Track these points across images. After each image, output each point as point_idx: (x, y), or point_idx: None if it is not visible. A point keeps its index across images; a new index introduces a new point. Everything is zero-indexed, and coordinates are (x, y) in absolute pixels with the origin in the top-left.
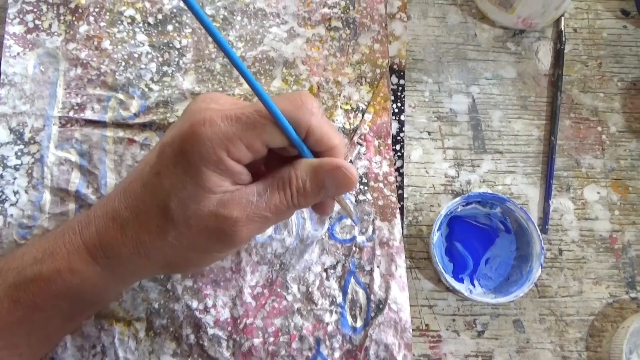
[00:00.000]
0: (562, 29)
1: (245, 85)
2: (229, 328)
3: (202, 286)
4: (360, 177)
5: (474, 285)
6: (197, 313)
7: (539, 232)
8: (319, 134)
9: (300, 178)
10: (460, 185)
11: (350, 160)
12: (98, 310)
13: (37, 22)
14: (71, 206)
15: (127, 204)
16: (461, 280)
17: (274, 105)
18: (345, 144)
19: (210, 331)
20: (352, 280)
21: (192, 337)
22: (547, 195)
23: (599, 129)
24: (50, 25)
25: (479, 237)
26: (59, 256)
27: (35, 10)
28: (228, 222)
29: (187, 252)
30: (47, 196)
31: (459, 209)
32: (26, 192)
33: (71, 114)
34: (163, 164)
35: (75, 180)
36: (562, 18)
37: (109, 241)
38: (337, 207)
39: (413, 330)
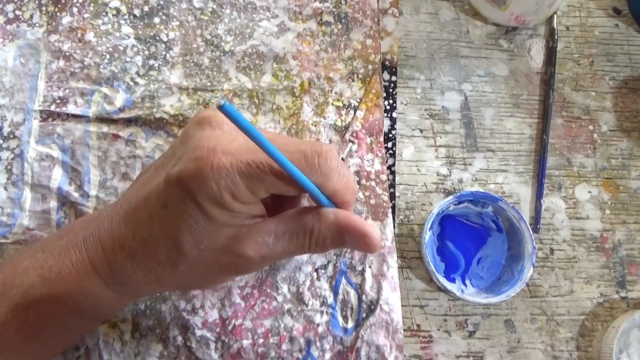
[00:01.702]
0: (555, 26)
1: (234, 81)
2: (218, 329)
3: None
4: None
5: (465, 285)
6: (184, 314)
7: (531, 232)
8: (331, 192)
9: (322, 234)
10: (452, 184)
11: (342, 157)
12: (98, 325)
13: (17, 12)
14: (53, 204)
15: (134, 234)
16: (453, 280)
17: (295, 169)
18: (337, 142)
19: (198, 332)
20: (343, 280)
21: (179, 338)
22: (538, 194)
23: (591, 127)
24: (31, 16)
25: (471, 237)
26: (68, 277)
27: (16, 0)
28: (242, 260)
29: (199, 279)
30: (27, 193)
31: (451, 208)
32: (5, 189)
33: (53, 107)
34: (171, 199)
35: (57, 177)
36: (555, 16)
37: (120, 269)
38: None
39: (404, 330)
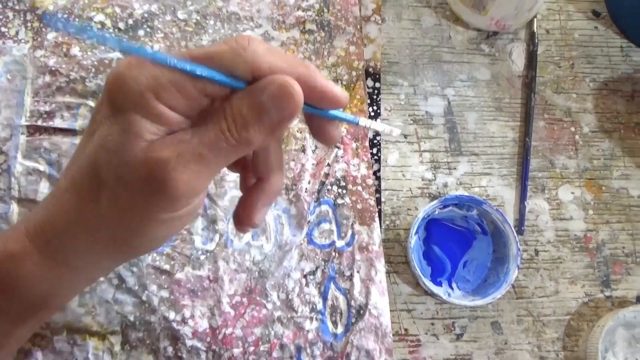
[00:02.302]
0: (535, 30)
1: None
2: (208, 339)
3: (179, 297)
4: (339, 180)
5: (452, 289)
6: (174, 324)
7: (515, 234)
8: (267, 67)
9: (235, 106)
10: (437, 188)
11: (328, 163)
12: (51, 315)
13: (3, 29)
14: None
15: (65, 174)
16: (439, 284)
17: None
18: (323, 149)
19: (189, 343)
20: (332, 286)
21: (170, 349)
22: (522, 197)
23: (572, 129)
24: (17, 33)
25: (457, 240)
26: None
27: (1, 17)
28: (158, 165)
29: (127, 216)
30: (14, 208)
31: (436, 212)
32: None
33: (40, 122)
34: (95, 120)
35: (44, 190)
36: (535, 19)
37: (47, 220)
38: (320, 210)
39: (392, 335)
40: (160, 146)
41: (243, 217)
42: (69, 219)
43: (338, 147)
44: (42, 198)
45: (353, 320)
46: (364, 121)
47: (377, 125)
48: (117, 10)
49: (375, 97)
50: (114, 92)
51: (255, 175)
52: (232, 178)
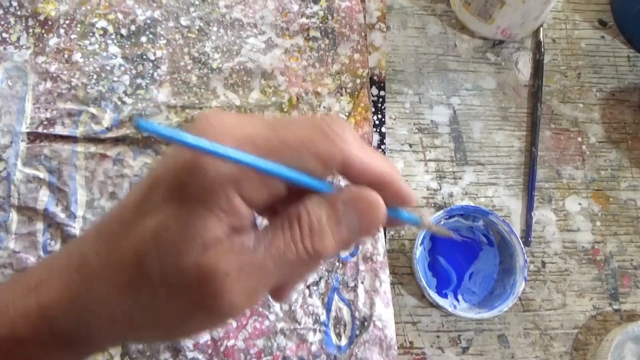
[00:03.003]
0: (541, 39)
1: (222, 98)
2: (209, 351)
3: None
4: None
5: (457, 301)
6: None
7: (522, 245)
8: (359, 165)
9: (312, 213)
10: (443, 198)
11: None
12: None
13: (4, 35)
14: (39, 225)
15: (98, 249)
16: (445, 296)
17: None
18: None
19: (190, 355)
20: (336, 297)
21: None
22: (529, 207)
23: (579, 139)
24: (18, 38)
25: (463, 251)
26: (5, 318)
27: (2, 22)
28: (213, 276)
29: (161, 319)
30: (13, 216)
31: (442, 222)
32: None
33: (40, 129)
34: (151, 201)
35: (44, 198)
36: (541, 28)
37: (69, 301)
38: None
39: (397, 347)
40: (218, 253)
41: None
42: (100, 310)
43: None
44: (42, 206)
45: (357, 332)
46: (427, 223)
47: (439, 229)
48: (120, 16)
49: (380, 105)
50: (188, 181)
51: None
52: None
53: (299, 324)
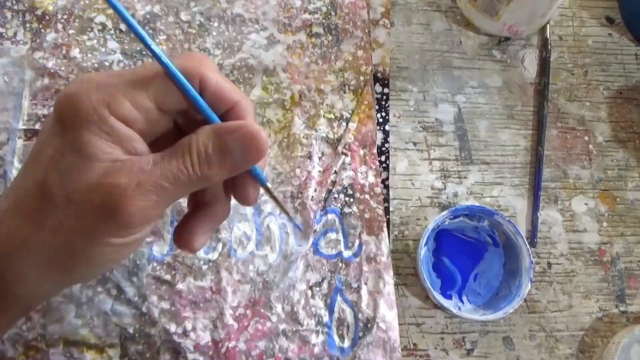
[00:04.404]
0: (548, 36)
1: None
2: (210, 352)
3: (181, 308)
4: (346, 188)
5: (462, 302)
6: (175, 337)
7: (528, 246)
8: (214, 86)
9: (201, 142)
10: (447, 198)
11: (335, 170)
12: None
13: (0, 30)
14: None
15: (6, 195)
16: (449, 297)
17: (163, 55)
18: (329, 154)
19: (190, 356)
20: (339, 298)
21: None
22: (535, 207)
23: (586, 138)
24: (15, 34)
25: (468, 252)
26: None
27: None
28: (115, 191)
29: (73, 239)
30: None
31: (447, 223)
32: None
33: (37, 126)
34: (42, 139)
35: None
36: (548, 26)
37: None
38: (326, 219)
39: (401, 350)
40: (117, 171)
41: (183, 241)
42: (11, 242)
43: (345, 154)
44: None
45: (360, 334)
46: (270, 192)
47: (281, 207)
48: None
49: (383, 102)
50: (64, 108)
51: (202, 199)
52: None
53: (301, 325)
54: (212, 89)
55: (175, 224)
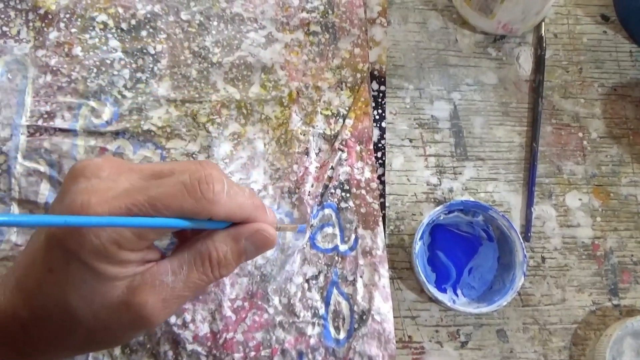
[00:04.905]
0: (543, 34)
1: (222, 92)
2: (209, 343)
3: None
4: (342, 183)
5: (457, 295)
6: (175, 328)
7: (522, 240)
8: (224, 217)
9: (220, 250)
10: (443, 193)
11: (332, 166)
12: None
13: (4, 28)
14: None
15: (24, 303)
16: (444, 291)
17: (164, 221)
18: (326, 150)
19: (189, 347)
20: (335, 291)
21: (170, 353)
22: (529, 203)
23: (580, 134)
24: (18, 32)
25: (462, 246)
26: None
27: (2, 16)
28: (143, 311)
29: (106, 339)
30: (14, 209)
31: (442, 218)
32: None
33: (40, 122)
34: (54, 261)
35: (45, 192)
36: (543, 23)
37: (10, 342)
38: (323, 214)
39: (396, 342)
40: (142, 290)
41: None
42: (35, 346)
43: (342, 150)
44: (43, 200)
45: (356, 325)
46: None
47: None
48: (120, 10)
49: (380, 100)
50: (75, 244)
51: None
52: (236, 179)
53: (298, 317)
54: (222, 218)
55: None
